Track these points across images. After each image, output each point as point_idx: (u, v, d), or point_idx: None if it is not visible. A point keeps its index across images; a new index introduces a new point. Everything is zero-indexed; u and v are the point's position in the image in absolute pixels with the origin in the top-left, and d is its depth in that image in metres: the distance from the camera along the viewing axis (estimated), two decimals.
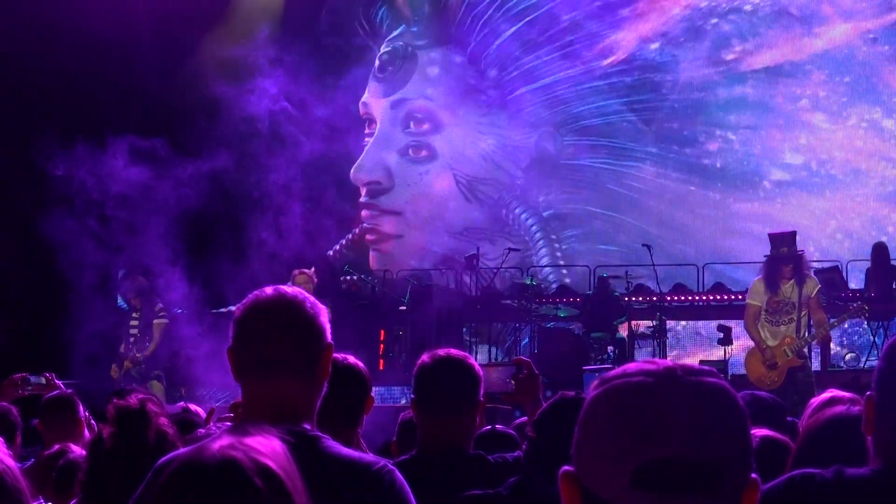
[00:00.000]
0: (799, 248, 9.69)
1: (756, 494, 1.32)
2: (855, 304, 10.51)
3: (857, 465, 2.07)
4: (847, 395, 3.00)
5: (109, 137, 11.67)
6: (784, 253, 9.48)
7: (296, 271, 11.25)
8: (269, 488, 1.38)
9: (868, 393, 2.10)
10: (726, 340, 13.50)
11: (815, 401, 3.17)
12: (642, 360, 1.40)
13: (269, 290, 2.44)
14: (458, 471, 3.31)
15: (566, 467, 1.35)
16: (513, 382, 3.68)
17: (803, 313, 9.50)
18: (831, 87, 17.04)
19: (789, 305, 9.46)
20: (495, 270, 14.99)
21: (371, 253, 18.87)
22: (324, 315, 2.45)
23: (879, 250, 13.02)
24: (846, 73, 17.02)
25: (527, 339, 14.86)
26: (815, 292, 9.51)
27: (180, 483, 1.39)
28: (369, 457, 2.36)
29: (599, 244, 17.72)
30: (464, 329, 14.57)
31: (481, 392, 3.49)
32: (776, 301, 9.45)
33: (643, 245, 14.08)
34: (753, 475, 1.33)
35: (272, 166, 14.01)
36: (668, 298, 14.52)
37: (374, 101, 19.12)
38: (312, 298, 2.48)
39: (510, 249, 15.10)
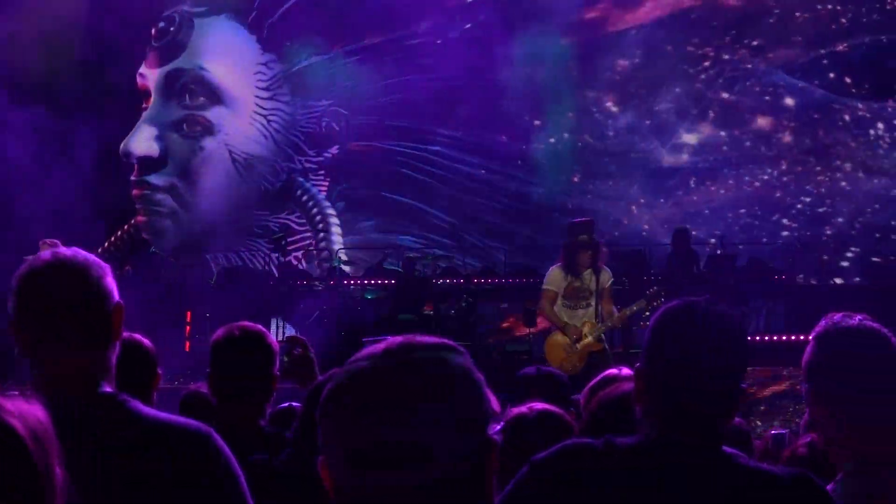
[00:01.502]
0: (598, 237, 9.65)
1: (494, 455, 1.39)
2: (651, 290, 10.68)
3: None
4: (629, 371, 3.08)
5: None
6: (583, 240, 9.32)
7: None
8: (6, 447, 1.38)
9: (637, 365, 2.21)
10: (530, 322, 13.66)
11: (596, 378, 3.29)
12: (383, 342, 1.43)
13: (45, 254, 2.23)
14: (253, 445, 3.26)
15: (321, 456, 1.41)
16: (286, 359, 3.68)
17: (600, 301, 9.45)
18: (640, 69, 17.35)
19: (586, 292, 9.38)
20: (303, 252, 14.51)
21: (143, 232, 17.84)
22: (108, 274, 2.28)
23: (679, 235, 13.39)
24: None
25: (316, 315, 14.49)
26: (608, 284, 9.46)
27: None
28: (185, 419, 2.19)
29: (396, 233, 17.40)
30: (271, 310, 14.02)
31: (276, 367, 3.53)
32: (574, 287, 9.33)
33: (449, 225, 14.01)
34: (492, 435, 1.39)
35: None
36: (476, 280, 14.57)
37: (149, 71, 18.04)
38: (93, 257, 2.28)
39: (317, 231, 14.67)
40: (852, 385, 2.43)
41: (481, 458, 1.38)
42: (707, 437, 2.13)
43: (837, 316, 2.57)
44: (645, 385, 2.18)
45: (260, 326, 3.57)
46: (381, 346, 1.41)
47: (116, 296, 2.27)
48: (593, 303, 9.37)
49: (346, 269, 15.18)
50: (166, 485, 2.05)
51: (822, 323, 2.56)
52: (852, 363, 2.46)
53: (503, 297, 14.89)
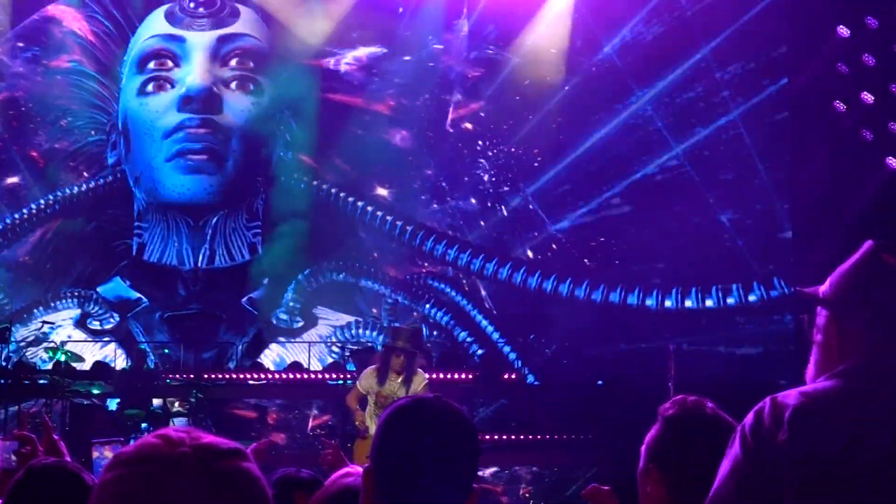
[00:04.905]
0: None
1: None
2: None
3: None
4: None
5: None
6: (400, 346, 9.60)
7: None
8: None
9: (366, 465, 2.14)
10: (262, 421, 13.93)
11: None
12: (160, 435, 1.33)
13: None
14: None
15: None
16: (14, 459, 3.45)
17: None
18: None
19: (393, 400, 9.56)
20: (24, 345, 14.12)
21: None
22: None
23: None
24: None
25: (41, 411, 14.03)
26: (421, 387, 9.57)
27: None
28: None
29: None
30: None
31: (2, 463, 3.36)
32: (384, 396, 9.53)
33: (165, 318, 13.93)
34: None
35: None
36: (205, 376, 14.52)
37: None
38: None
39: (44, 322, 14.33)
40: (695, 469, 2.45)
41: None
42: None
43: (690, 400, 2.63)
44: (372, 484, 2.09)
45: None
46: (167, 447, 1.29)
47: None
48: None
49: (72, 363, 14.83)
50: None
51: (673, 406, 2.61)
52: (699, 451, 2.48)
53: (234, 393, 14.89)
